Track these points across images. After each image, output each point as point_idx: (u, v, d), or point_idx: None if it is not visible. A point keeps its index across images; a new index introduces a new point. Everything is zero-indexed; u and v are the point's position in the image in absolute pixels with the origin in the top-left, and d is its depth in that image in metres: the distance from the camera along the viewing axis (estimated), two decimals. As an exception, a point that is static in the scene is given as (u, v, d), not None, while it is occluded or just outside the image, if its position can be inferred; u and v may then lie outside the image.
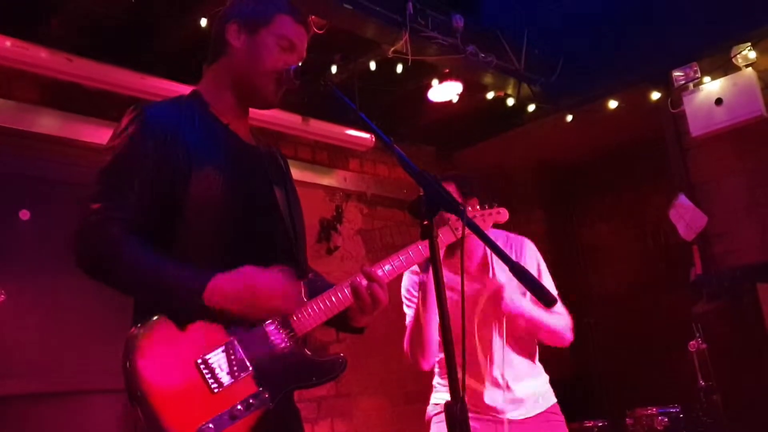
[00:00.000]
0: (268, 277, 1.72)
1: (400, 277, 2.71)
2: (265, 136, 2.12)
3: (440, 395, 2.77)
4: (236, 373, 1.65)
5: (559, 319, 2.75)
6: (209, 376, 1.63)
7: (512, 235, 2.91)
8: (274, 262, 1.77)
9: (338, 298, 1.84)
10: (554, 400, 2.81)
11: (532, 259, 2.84)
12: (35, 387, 3.57)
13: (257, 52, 1.94)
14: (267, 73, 1.93)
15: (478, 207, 2.58)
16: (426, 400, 2.86)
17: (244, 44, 1.95)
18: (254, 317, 1.71)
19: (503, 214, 2.53)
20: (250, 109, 2.05)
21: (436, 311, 1.60)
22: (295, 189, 2.08)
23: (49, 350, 3.65)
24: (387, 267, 1.95)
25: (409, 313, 2.82)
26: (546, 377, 2.85)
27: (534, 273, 2.76)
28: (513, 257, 2.75)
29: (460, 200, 2.83)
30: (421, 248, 2.01)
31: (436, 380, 2.84)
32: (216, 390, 1.62)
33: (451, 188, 2.85)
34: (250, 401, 1.65)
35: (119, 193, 1.73)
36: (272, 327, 1.74)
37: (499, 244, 2.83)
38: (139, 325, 1.64)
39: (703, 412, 3.84)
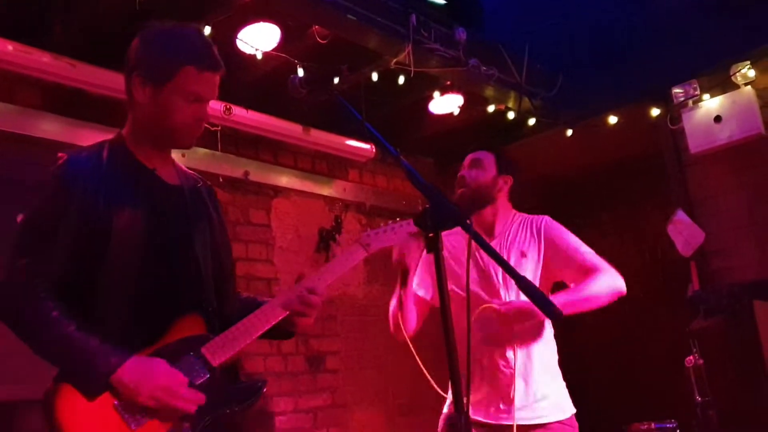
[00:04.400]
0: (169, 378, 1.76)
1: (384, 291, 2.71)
2: (191, 175, 2.14)
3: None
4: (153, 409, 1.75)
5: (599, 284, 2.68)
6: (127, 416, 1.73)
7: (533, 217, 2.89)
8: (177, 309, 1.86)
9: (258, 320, 1.92)
10: (573, 410, 2.71)
11: (560, 235, 2.79)
12: (22, 394, 3.53)
13: (164, 109, 1.92)
14: (177, 128, 1.93)
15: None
16: (420, 413, 2.86)
17: (150, 99, 1.92)
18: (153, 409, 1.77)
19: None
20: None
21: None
22: (223, 224, 2.11)
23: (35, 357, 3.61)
24: (325, 273, 2.03)
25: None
26: (563, 383, 2.75)
27: (568, 246, 2.77)
28: (536, 238, 2.77)
29: (494, 173, 2.85)
30: (354, 252, 2.10)
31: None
32: (134, 428, 1.72)
33: (490, 159, 2.87)
34: None
35: (44, 246, 1.79)
36: (188, 362, 1.82)
37: (521, 225, 2.85)
38: (57, 380, 1.76)
39: (699, 428, 3.84)
